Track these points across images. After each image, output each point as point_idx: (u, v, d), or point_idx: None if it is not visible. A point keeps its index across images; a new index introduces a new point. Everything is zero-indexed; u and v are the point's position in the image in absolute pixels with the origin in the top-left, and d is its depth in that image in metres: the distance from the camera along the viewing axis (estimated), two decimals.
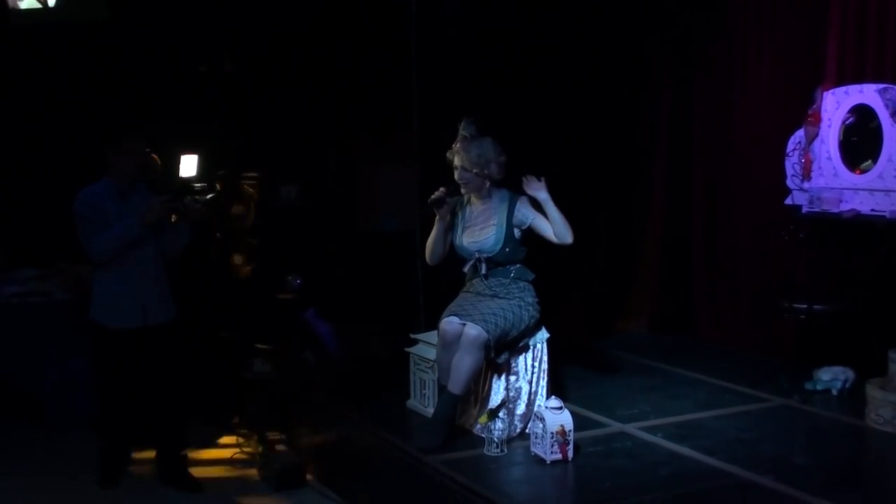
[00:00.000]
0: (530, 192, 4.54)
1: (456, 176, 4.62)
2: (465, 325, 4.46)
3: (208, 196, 5.75)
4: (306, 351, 6.00)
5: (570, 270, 6.49)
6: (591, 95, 6.82)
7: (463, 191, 4.67)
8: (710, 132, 6.70)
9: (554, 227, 4.53)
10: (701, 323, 6.79)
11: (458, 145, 4.62)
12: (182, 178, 6.28)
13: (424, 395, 4.97)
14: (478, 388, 4.70)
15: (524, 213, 4.62)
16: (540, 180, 4.52)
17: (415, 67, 6.34)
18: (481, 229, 4.67)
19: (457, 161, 4.61)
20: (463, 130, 4.64)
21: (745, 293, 6.40)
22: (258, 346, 5.73)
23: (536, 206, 4.60)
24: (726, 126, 6.55)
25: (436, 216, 4.69)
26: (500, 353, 4.54)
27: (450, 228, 4.77)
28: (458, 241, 4.74)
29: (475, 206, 4.72)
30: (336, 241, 6.88)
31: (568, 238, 4.54)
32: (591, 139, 6.84)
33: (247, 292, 6.27)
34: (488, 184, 4.63)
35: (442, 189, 4.64)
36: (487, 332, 4.40)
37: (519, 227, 4.63)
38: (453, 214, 4.77)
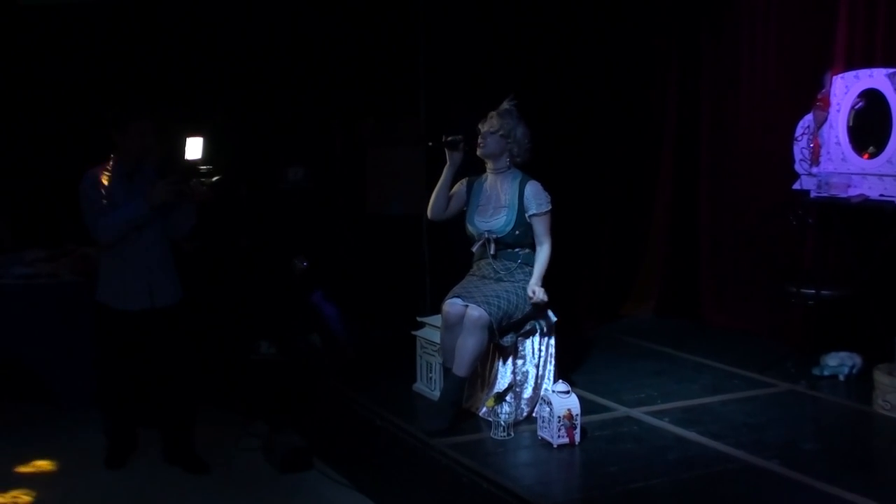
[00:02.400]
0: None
1: (479, 139, 4.65)
2: (467, 306, 4.46)
3: (214, 178, 5.73)
4: (313, 334, 5.99)
5: (577, 255, 6.47)
6: (598, 80, 6.79)
7: (479, 150, 4.66)
8: (717, 117, 6.66)
9: (539, 256, 4.61)
10: (707, 308, 6.78)
11: (496, 111, 4.65)
12: (188, 160, 6.24)
13: (431, 378, 4.97)
14: (484, 371, 4.69)
15: (529, 201, 4.61)
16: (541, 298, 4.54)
17: (423, 52, 6.31)
18: (494, 209, 4.67)
19: (486, 126, 4.64)
20: (507, 103, 4.68)
21: (752, 278, 6.38)
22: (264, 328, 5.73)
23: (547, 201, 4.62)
24: (734, 111, 6.51)
25: (446, 154, 4.68)
26: (503, 335, 4.53)
27: (457, 191, 4.77)
28: (469, 220, 4.74)
29: (489, 185, 4.72)
30: (343, 224, 6.87)
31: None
32: (598, 125, 6.81)
33: (253, 274, 6.25)
34: (506, 158, 4.64)
35: (459, 135, 4.65)
36: (490, 313, 4.40)
37: (526, 211, 4.60)
38: (468, 189, 4.77)
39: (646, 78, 7.02)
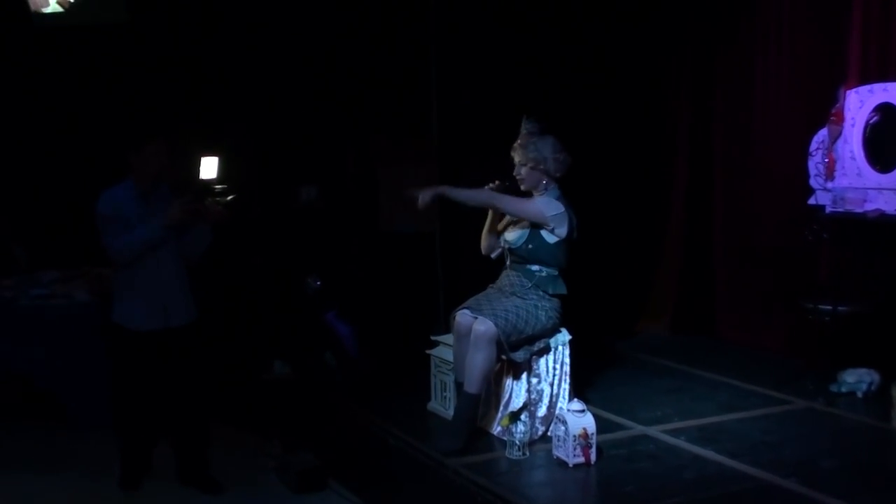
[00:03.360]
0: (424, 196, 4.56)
1: (515, 172, 4.69)
2: (476, 318, 4.45)
3: (229, 198, 5.75)
4: (326, 353, 6.00)
5: (591, 272, 6.45)
6: (611, 98, 6.82)
7: (522, 187, 4.70)
8: (731, 132, 6.65)
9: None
10: (723, 324, 6.75)
11: (518, 142, 4.68)
12: (202, 179, 6.28)
13: (445, 397, 4.96)
14: (499, 389, 4.68)
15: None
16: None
17: (434, 70, 6.33)
18: (517, 222, 4.72)
19: (516, 157, 4.67)
20: (524, 127, 4.70)
21: (768, 294, 6.35)
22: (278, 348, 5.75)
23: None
24: (748, 126, 6.50)
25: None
26: (514, 350, 4.51)
27: (502, 219, 4.84)
28: (503, 230, 4.81)
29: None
30: (356, 243, 6.88)
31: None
32: (611, 140, 6.83)
33: (267, 294, 6.26)
34: (545, 180, 4.65)
35: (497, 181, 4.71)
36: (497, 326, 4.39)
37: (542, 225, 4.60)
38: None
39: (660, 92, 7.03)
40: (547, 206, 4.57)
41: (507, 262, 4.71)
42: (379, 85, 6.83)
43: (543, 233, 4.60)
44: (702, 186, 6.87)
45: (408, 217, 6.81)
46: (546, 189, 4.67)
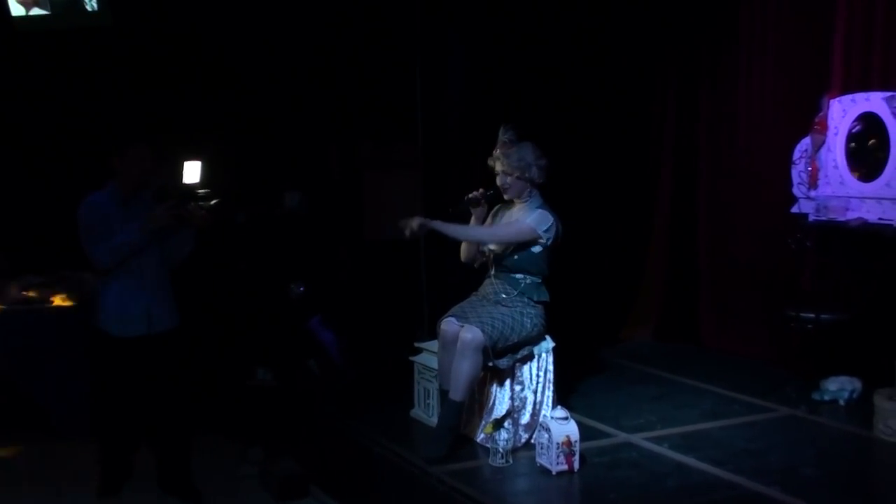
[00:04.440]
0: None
1: (498, 181, 4.67)
2: (462, 326, 4.45)
3: (212, 202, 5.73)
4: (310, 360, 5.98)
5: (575, 279, 6.47)
6: (596, 101, 6.82)
7: (506, 196, 4.70)
8: (715, 140, 6.68)
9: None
10: (706, 332, 6.77)
11: (497, 151, 4.66)
12: (186, 184, 6.25)
13: (428, 404, 4.96)
14: (482, 397, 4.68)
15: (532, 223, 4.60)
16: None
17: (420, 75, 6.33)
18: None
19: (498, 167, 4.66)
20: (503, 136, 4.68)
21: (751, 302, 6.38)
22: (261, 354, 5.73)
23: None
24: (732, 134, 6.53)
25: (471, 215, 4.75)
26: (499, 357, 4.51)
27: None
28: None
29: (513, 210, 4.74)
30: (340, 249, 6.87)
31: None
32: (596, 147, 6.83)
33: (251, 300, 6.24)
34: (529, 188, 4.66)
35: (480, 189, 4.70)
36: (484, 333, 4.39)
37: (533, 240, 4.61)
38: (495, 214, 4.81)
39: (644, 101, 7.05)
40: (539, 223, 4.57)
41: (491, 271, 4.69)
42: (364, 89, 6.82)
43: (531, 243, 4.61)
44: (686, 193, 6.89)
45: (392, 224, 6.86)
46: (530, 196, 4.68)
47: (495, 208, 4.84)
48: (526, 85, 6.53)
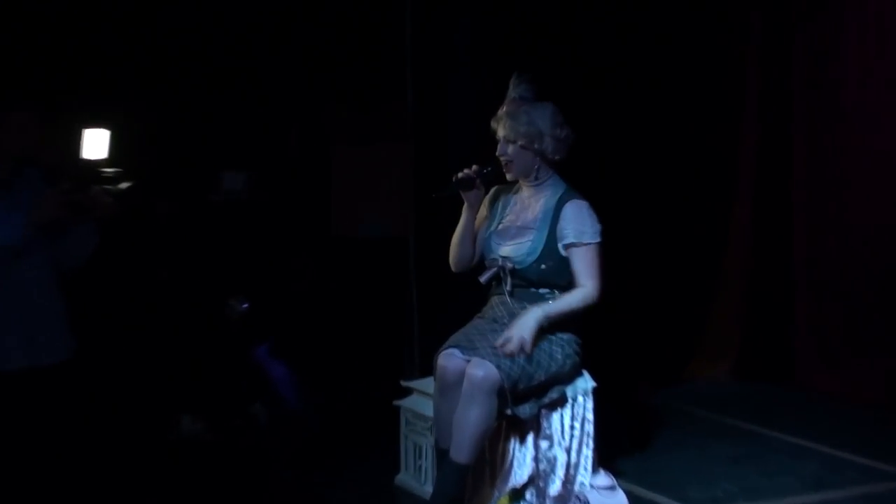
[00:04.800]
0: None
1: (497, 152, 4.67)
2: (469, 361, 4.43)
3: (123, 186, 5.72)
4: (255, 404, 5.99)
5: (626, 295, 6.46)
6: (653, 60, 6.87)
7: (508, 175, 4.69)
8: (817, 107, 6.70)
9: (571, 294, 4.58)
10: (806, 368, 6.81)
11: (503, 109, 4.66)
12: (86, 160, 6.26)
13: (420, 466, 4.96)
14: (494, 456, 4.68)
15: (565, 227, 4.58)
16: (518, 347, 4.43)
17: (410, 14, 6.32)
18: (518, 230, 4.67)
19: (499, 131, 4.65)
20: (514, 89, 4.68)
21: (869, 329, 6.41)
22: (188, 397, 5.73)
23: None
24: (839, 99, 6.54)
25: (463, 202, 4.72)
26: (520, 403, 4.49)
27: (484, 220, 4.80)
28: (486, 239, 4.74)
29: (524, 196, 4.74)
30: (299, 251, 6.89)
31: (590, 303, 4.59)
32: (654, 122, 6.88)
33: (175, 320, 6.24)
34: (538, 165, 4.65)
35: (474, 166, 4.67)
36: (501, 370, 4.35)
37: (560, 238, 4.60)
38: (493, 201, 4.80)
39: (718, 55, 7.07)
40: (583, 223, 4.57)
41: (507, 286, 4.65)
42: (333, 35, 6.84)
43: (559, 244, 4.58)
44: (776, 179, 6.91)
45: (371, 216, 6.84)
46: (544, 178, 4.67)
47: (491, 192, 4.82)
48: (560, 32, 6.55)
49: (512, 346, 4.36)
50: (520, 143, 4.59)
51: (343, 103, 7.08)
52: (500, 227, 4.72)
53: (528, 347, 4.37)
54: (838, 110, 6.57)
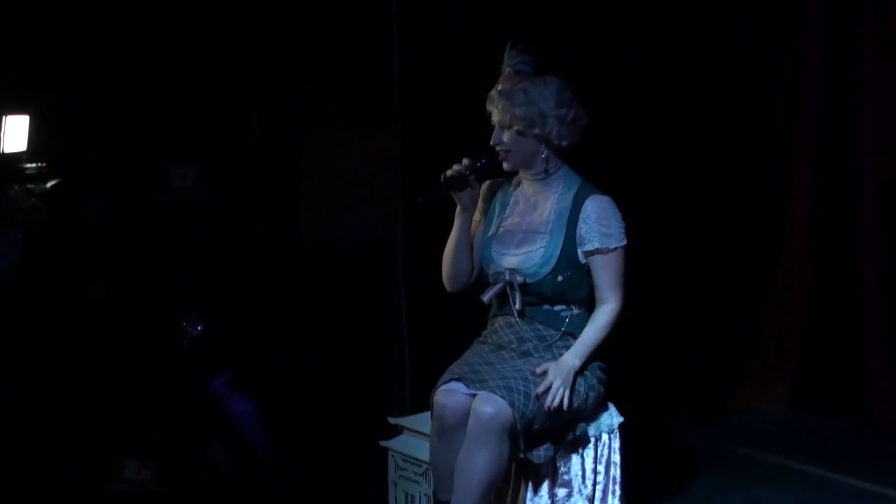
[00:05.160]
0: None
1: (492, 140, 4.64)
2: (475, 396, 4.43)
3: (48, 184, 5.74)
4: (214, 445, 6.00)
5: (659, 314, 6.50)
6: (693, 40, 6.88)
7: (505, 165, 4.67)
8: (889, 96, 6.71)
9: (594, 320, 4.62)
10: (879, 399, 6.78)
11: (498, 87, 4.62)
12: (3, 154, 6.28)
13: None
14: None
15: (589, 230, 4.58)
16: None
17: None
18: (525, 234, 4.67)
19: (494, 114, 4.63)
20: (510, 61, 4.65)
21: None
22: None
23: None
24: None
25: (453, 203, 4.70)
26: (535, 445, 4.50)
27: (478, 224, 4.80)
28: (482, 247, 4.74)
29: (527, 193, 4.74)
30: (264, 260, 6.91)
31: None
32: (691, 109, 6.87)
33: (115, 347, 6.26)
34: (545, 154, 4.65)
35: (465, 160, 4.63)
36: (513, 406, 4.36)
37: (581, 243, 4.62)
38: (489, 199, 4.80)
39: (773, 37, 7.08)
40: (609, 220, 4.58)
41: (516, 305, 4.65)
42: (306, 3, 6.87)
43: (580, 249, 4.61)
44: (840, 178, 6.91)
45: (351, 217, 6.85)
46: (553, 171, 4.67)
47: (484, 187, 4.82)
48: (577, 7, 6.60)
49: (557, 401, 4.39)
50: (517, 127, 4.55)
51: (315, 79, 7.09)
52: (501, 231, 4.71)
53: (559, 399, 4.40)
54: None
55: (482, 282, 4.75)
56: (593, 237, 4.56)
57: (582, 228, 4.58)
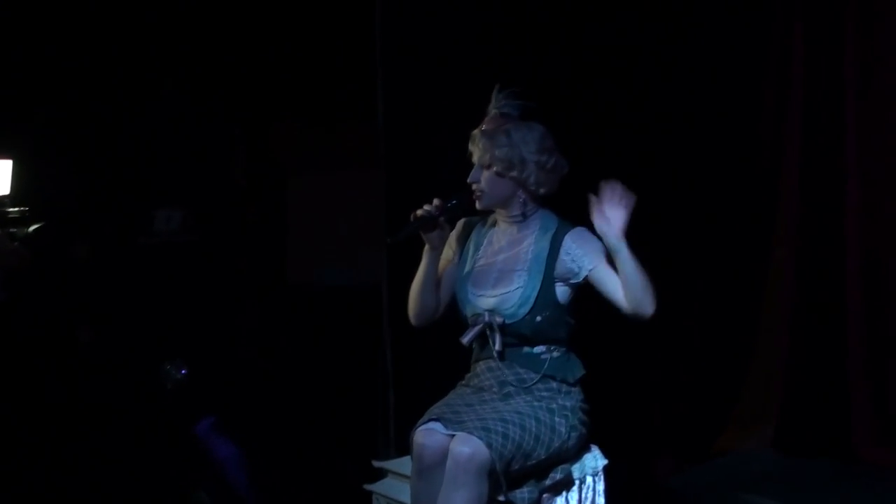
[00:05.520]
0: (598, 220, 4.41)
1: (469, 177, 4.63)
2: (453, 436, 4.42)
3: (31, 228, 5.73)
4: (197, 490, 5.98)
5: (642, 352, 6.51)
6: (673, 67, 6.86)
7: (477, 204, 4.66)
8: (874, 126, 6.73)
9: (626, 287, 4.45)
10: (865, 438, 6.76)
11: (482, 127, 4.61)
12: None
13: None
14: None
15: (579, 257, 4.56)
16: (622, 198, 4.42)
17: (380, 16, 6.37)
18: (501, 274, 4.65)
19: (475, 153, 4.62)
20: (496, 103, 4.65)
21: None
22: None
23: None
24: None
25: (422, 243, 4.67)
26: (517, 487, 4.48)
27: (450, 264, 4.79)
28: (460, 291, 4.73)
29: (500, 234, 4.73)
30: (249, 303, 6.90)
31: (647, 307, 4.47)
32: (672, 137, 6.86)
33: (99, 390, 6.25)
34: (522, 198, 4.63)
35: (436, 201, 4.60)
36: (491, 447, 4.34)
37: (567, 280, 4.60)
38: (463, 238, 4.79)
39: (755, 64, 7.10)
40: (590, 241, 4.56)
41: (496, 346, 4.63)
42: (289, 39, 6.89)
43: (559, 287, 4.62)
44: (825, 208, 6.90)
45: (335, 260, 6.85)
46: (530, 213, 4.66)
47: (459, 225, 4.81)
48: (554, 38, 6.60)
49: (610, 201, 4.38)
50: (495, 168, 4.54)
51: (299, 122, 7.12)
52: (476, 271, 4.70)
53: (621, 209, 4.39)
54: None
55: (462, 323, 4.73)
56: (583, 260, 4.55)
57: (567, 262, 4.57)
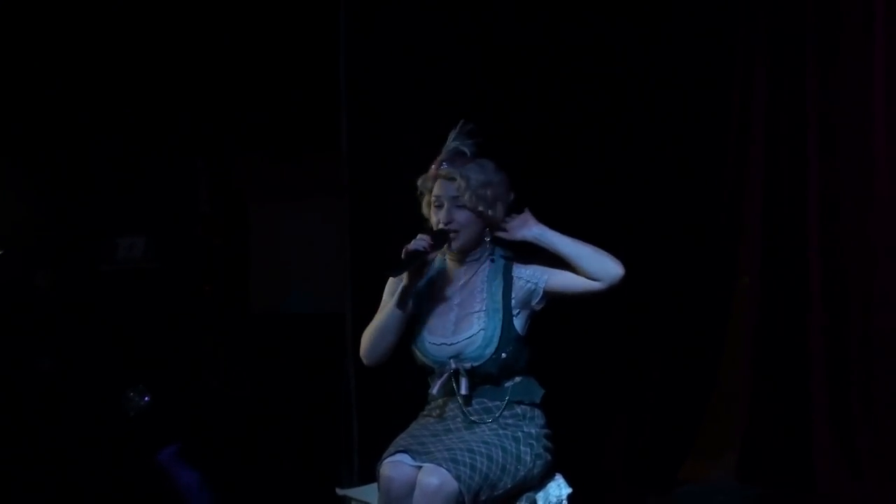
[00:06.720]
0: (512, 232, 4.49)
1: (440, 218, 4.54)
2: (420, 468, 4.40)
3: None
4: None
5: (604, 381, 6.56)
6: (637, 88, 6.90)
7: (453, 244, 4.58)
8: (837, 148, 6.74)
9: (580, 263, 4.49)
10: (826, 468, 6.78)
11: (444, 167, 4.55)
12: None
13: None
14: None
15: (531, 275, 4.56)
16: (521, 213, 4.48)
17: (345, 49, 6.41)
18: (460, 319, 4.64)
19: (442, 191, 4.56)
20: (453, 141, 4.60)
21: None
22: None
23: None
24: (868, 138, 6.64)
25: (410, 279, 4.56)
26: None
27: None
28: (418, 343, 4.67)
29: (446, 277, 4.71)
30: (212, 331, 6.94)
31: (612, 269, 4.51)
32: (632, 161, 6.91)
33: (60, 419, 6.24)
34: (489, 238, 4.59)
35: (423, 238, 4.50)
36: (459, 478, 4.30)
37: (529, 303, 4.59)
38: (410, 297, 4.64)
39: (718, 84, 7.14)
40: (536, 267, 4.57)
41: (462, 390, 4.57)
42: (253, 68, 6.91)
43: (517, 319, 4.60)
44: (788, 235, 6.90)
45: (301, 287, 6.82)
46: (490, 256, 4.65)
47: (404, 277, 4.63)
48: (518, 58, 6.64)
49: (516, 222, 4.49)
50: (479, 207, 4.50)
51: (263, 151, 7.16)
52: (431, 325, 4.64)
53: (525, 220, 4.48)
54: (863, 165, 6.68)
55: (416, 369, 4.71)
56: (536, 275, 4.57)
57: (523, 286, 4.58)
